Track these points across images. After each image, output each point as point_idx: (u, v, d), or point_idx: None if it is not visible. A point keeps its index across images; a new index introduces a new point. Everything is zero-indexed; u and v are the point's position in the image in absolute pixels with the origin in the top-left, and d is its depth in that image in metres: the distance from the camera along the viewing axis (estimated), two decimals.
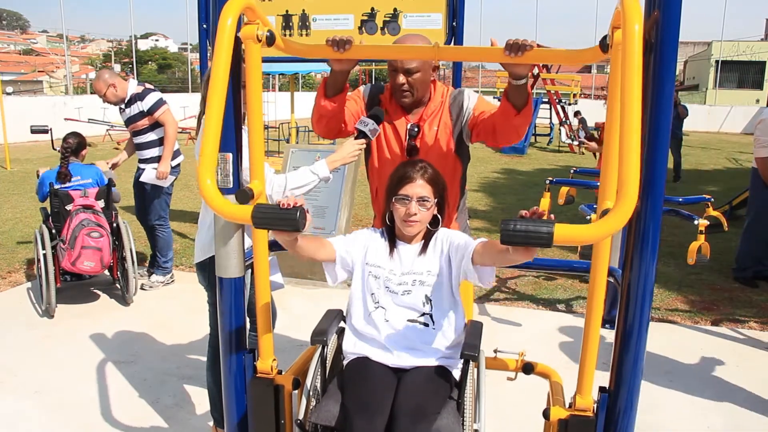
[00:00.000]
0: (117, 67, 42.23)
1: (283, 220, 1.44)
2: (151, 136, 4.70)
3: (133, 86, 4.64)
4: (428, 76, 2.23)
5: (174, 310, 4.37)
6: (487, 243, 1.79)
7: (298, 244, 1.70)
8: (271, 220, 1.46)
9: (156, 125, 4.67)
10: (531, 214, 1.38)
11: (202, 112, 2.36)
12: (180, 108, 18.11)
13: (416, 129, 2.28)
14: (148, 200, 4.79)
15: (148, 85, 4.74)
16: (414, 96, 2.23)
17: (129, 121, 4.71)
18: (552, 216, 1.40)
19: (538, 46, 1.81)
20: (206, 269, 2.50)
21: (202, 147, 1.49)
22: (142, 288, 4.76)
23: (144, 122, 4.64)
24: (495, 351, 2.24)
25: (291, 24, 3.54)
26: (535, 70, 16.59)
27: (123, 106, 4.68)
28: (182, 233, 6.54)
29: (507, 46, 1.76)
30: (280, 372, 1.94)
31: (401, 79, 2.18)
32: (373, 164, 2.42)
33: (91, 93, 25.80)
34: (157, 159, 4.70)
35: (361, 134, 2.19)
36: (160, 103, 4.64)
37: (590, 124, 20.59)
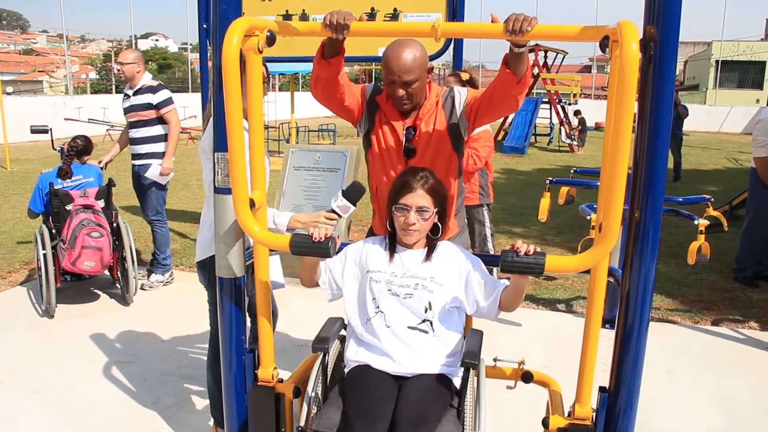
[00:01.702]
0: (117, 67, 42.22)
1: (317, 249, 1.74)
2: (157, 130, 4.73)
3: (147, 78, 4.74)
4: (425, 81, 2.24)
5: (174, 310, 4.37)
6: (507, 288, 1.92)
7: (316, 273, 2.00)
8: (307, 249, 1.75)
9: (160, 121, 4.73)
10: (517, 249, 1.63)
11: (209, 113, 2.37)
12: (180, 108, 18.08)
13: (413, 131, 2.30)
14: (146, 196, 4.81)
15: (161, 83, 4.85)
16: (412, 102, 2.26)
17: (132, 109, 4.71)
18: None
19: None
20: (207, 268, 2.50)
21: (234, 194, 1.67)
22: (142, 288, 4.75)
23: (150, 113, 4.68)
24: (494, 360, 2.24)
25: None
26: (535, 71, 16.60)
27: (131, 93, 4.71)
28: (182, 233, 6.54)
29: (507, 26, 1.73)
30: (281, 380, 1.94)
31: (400, 92, 2.19)
32: (373, 164, 2.44)
33: (92, 93, 25.82)
34: (157, 155, 4.71)
35: (332, 210, 2.14)
36: (170, 101, 4.74)
37: (590, 123, 20.70)
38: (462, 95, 2.31)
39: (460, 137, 2.35)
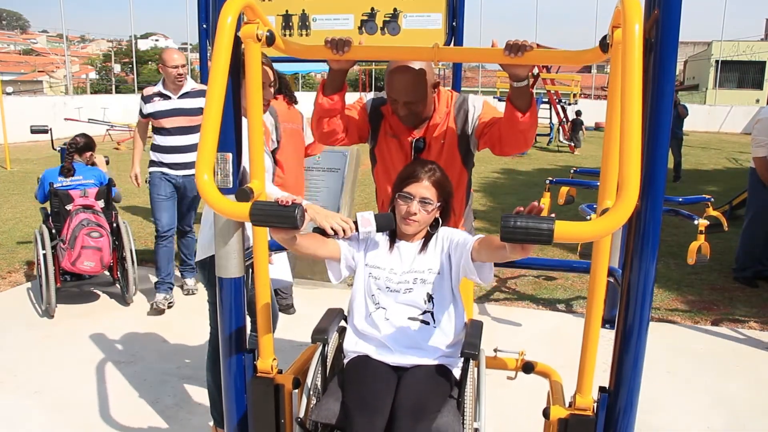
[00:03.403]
0: (117, 67, 42.27)
1: (281, 217, 1.44)
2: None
3: (191, 81, 4.40)
4: (431, 96, 2.20)
5: (174, 310, 4.37)
6: (484, 239, 1.80)
7: (297, 243, 1.71)
8: (269, 218, 1.45)
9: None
10: (529, 210, 1.35)
11: None
12: None
13: (422, 143, 2.26)
14: (191, 207, 4.53)
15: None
16: (418, 119, 2.23)
17: (178, 113, 4.28)
18: (553, 214, 1.40)
19: (538, 46, 1.81)
20: (207, 268, 2.50)
21: (199, 143, 1.49)
22: (191, 293, 4.68)
23: (201, 119, 4.51)
24: (495, 350, 2.24)
25: (291, 24, 3.53)
26: (535, 70, 16.58)
27: (173, 95, 4.27)
28: None
29: (507, 47, 1.76)
30: (280, 371, 1.94)
31: (403, 111, 2.17)
32: (378, 177, 2.40)
33: (92, 93, 25.83)
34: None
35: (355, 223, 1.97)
36: None
37: (590, 123, 20.65)
38: (476, 110, 2.26)
39: (470, 152, 2.31)
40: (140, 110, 4.37)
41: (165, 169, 4.32)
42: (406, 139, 2.27)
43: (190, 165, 4.26)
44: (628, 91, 1.30)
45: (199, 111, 4.23)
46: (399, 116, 2.21)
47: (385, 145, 2.31)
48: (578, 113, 16.42)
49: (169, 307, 4.36)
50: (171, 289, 4.44)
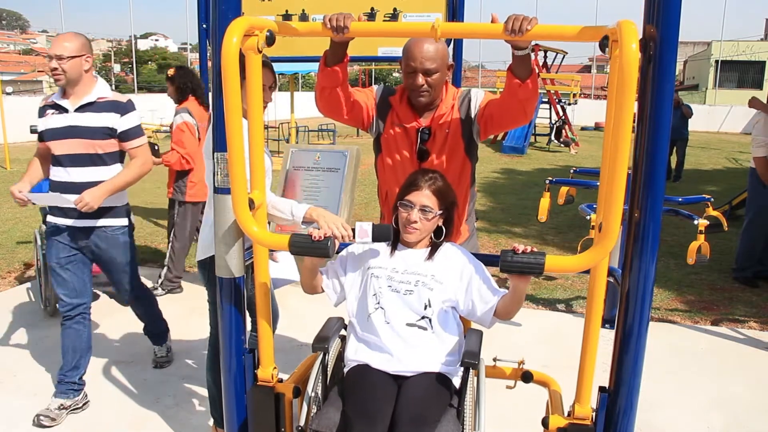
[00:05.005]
0: (117, 67, 42.27)
1: (316, 249, 1.73)
2: (117, 170, 2.93)
3: (104, 87, 2.92)
4: (445, 75, 2.24)
5: (174, 310, 4.36)
6: (505, 294, 1.91)
7: (317, 277, 2.01)
8: (306, 249, 1.75)
9: (121, 157, 2.98)
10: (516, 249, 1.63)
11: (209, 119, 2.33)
12: None
13: (427, 132, 2.28)
14: (121, 269, 3.21)
15: (130, 97, 3.00)
16: (431, 95, 2.24)
17: (73, 134, 2.81)
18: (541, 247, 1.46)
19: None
20: (207, 268, 2.50)
21: (234, 194, 1.68)
22: (160, 366, 3.54)
23: (109, 145, 2.87)
24: (494, 359, 2.24)
25: None
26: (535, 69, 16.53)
27: (69, 106, 2.84)
28: None
29: (507, 26, 1.73)
30: (280, 380, 1.95)
31: (420, 80, 2.18)
32: (383, 167, 2.42)
33: None
34: (119, 212, 3.04)
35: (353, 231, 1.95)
36: (142, 131, 2.99)
37: (590, 123, 20.59)
38: (478, 98, 2.29)
39: (473, 142, 2.33)
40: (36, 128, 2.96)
41: (61, 220, 2.92)
42: (412, 127, 2.30)
43: (90, 215, 2.86)
44: (623, 120, 1.40)
45: (103, 133, 2.85)
46: (414, 90, 2.21)
47: (392, 133, 2.33)
48: (560, 126, 16.33)
49: (61, 411, 2.93)
50: (75, 392, 3.02)
